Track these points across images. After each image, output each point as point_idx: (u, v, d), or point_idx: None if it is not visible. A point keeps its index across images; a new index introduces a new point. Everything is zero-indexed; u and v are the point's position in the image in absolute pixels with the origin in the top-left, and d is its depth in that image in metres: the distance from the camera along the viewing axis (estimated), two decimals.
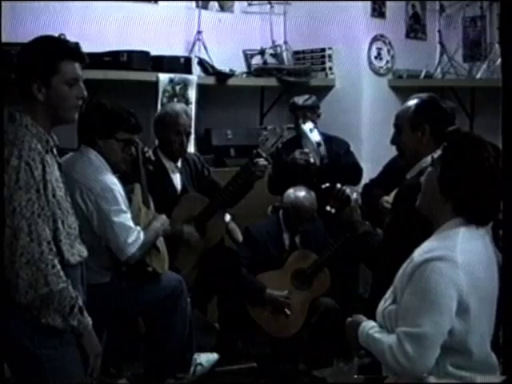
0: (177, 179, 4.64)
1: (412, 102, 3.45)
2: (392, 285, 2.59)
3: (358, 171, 5.32)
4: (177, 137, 4.57)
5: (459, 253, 2.43)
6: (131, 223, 3.80)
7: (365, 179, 5.20)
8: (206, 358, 4.37)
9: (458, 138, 2.58)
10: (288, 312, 4.83)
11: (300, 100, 5.40)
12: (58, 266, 2.67)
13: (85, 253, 2.88)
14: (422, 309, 2.41)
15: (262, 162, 4.49)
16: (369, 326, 2.60)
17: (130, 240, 3.76)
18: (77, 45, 2.85)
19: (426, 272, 2.42)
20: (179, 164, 4.67)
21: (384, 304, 2.58)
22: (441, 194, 2.51)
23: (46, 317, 2.67)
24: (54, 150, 2.80)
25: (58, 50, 2.78)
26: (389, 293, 2.59)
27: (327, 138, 5.23)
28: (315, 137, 5.06)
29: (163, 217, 4.08)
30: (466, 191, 2.48)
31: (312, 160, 5.07)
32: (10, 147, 2.65)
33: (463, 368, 2.47)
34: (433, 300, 2.40)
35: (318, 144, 5.04)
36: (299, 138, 5.21)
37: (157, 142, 4.83)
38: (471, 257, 2.46)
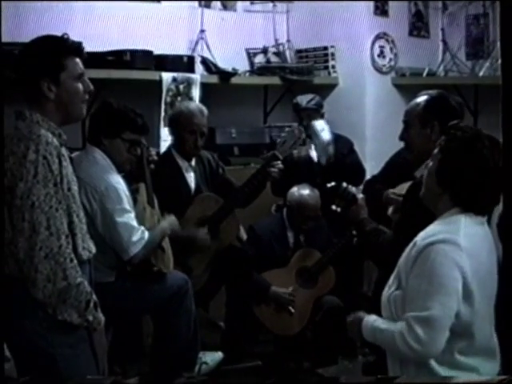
0: (191, 178, 4.63)
1: (422, 99, 3.44)
2: (394, 271, 2.62)
3: (360, 172, 5.30)
4: (191, 136, 4.55)
5: (462, 237, 2.49)
6: (135, 223, 3.80)
7: (369, 176, 5.20)
8: (211, 357, 4.38)
9: (454, 132, 2.62)
10: (292, 310, 4.83)
11: (303, 101, 5.38)
12: (75, 261, 2.69)
13: (93, 249, 2.89)
14: (429, 292, 2.44)
15: (278, 164, 4.49)
16: (371, 319, 2.63)
17: (133, 239, 3.76)
18: (77, 41, 2.88)
19: (430, 255, 2.46)
20: (193, 163, 4.66)
21: (388, 290, 2.60)
22: (438, 186, 2.58)
23: (63, 313, 2.68)
24: None
25: (62, 47, 2.80)
26: (392, 279, 2.61)
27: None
28: (326, 135, 5.03)
29: (172, 217, 4.08)
30: (462, 183, 2.54)
31: (314, 157, 5.06)
32: (26, 142, 2.65)
33: (467, 354, 2.51)
34: (439, 282, 2.44)
35: (328, 143, 5.01)
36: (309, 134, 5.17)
37: (168, 140, 4.84)
38: (473, 241, 2.52)
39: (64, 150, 2.76)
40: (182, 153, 4.61)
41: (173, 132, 4.72)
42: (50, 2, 5.07)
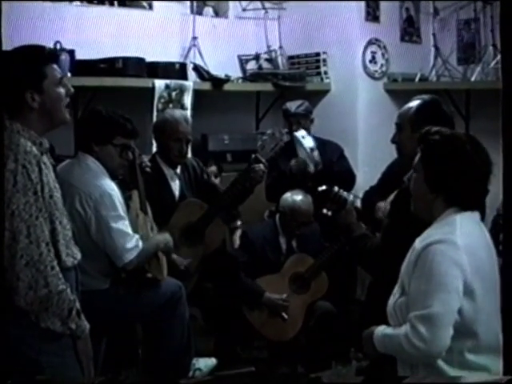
0: (175, 186, 4.62)
1: (414, 103, 3.42)
2: (398, 280, 2.64)
3: (351, 177, 5.31)
4: (176, 144, 4.55)
5: (459, 236, 2.53)
6: (129, 229, 3.81)
7: (361, 182, 5.21)
8: (204, 363, 4.39)
9: (430, 137, 2.65)
10: (285, 316, 4.84)
11: (293, 107, 5.40)
12: (57, 268, 2.70)
13: (78, 255, 2.89)
14: (429, 290, 2.47)
15: (260, 167, 4.50)
16: (380, 328, 2.66)
17: (127, 246, 3.77)
18: (52, 47, 2.90)
19: (428, 255, 2.50)
20: (178, 170, 4.66)
21: (393, 299, 2.63)
22: (430, 193, 2.61)
23: (45, 320, 2.69)
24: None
25: (40, 55, 2.84)
26: (396, 287, 2.64)
27: (321, 143, 5.22)
28: (308, 143, 5.05)
29: (167, 235, 4.09)
30: (453, 182, 2.58)
31: (308, 167, 5.07)
32: (6, 151, 2.66)
33: (476, 352, 2.52)
34: (438, 280, 2.47)
35: (312, 149, 5.03)
36: (294, 144, 5.21)
37: (155, 147, 4.84)
38: (471, 239, 2.56)
39: (45, 159, 2.77)
40: (167, 161, 4.61)
41: (158, 140, 4.73)
42: (43, 2, 5.06)
